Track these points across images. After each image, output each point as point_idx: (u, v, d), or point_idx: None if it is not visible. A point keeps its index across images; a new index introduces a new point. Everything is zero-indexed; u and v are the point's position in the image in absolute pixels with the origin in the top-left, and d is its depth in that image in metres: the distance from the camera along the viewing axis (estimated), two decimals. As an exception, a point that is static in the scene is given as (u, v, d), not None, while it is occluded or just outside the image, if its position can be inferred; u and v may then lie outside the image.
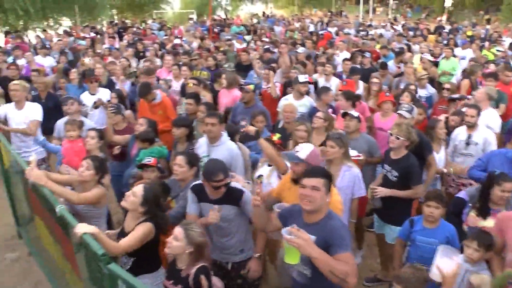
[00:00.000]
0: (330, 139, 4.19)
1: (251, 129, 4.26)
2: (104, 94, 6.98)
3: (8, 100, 7.43)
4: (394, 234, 4.22)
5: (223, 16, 27.41)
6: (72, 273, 3.80)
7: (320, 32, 15.99)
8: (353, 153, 4.44)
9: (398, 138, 4.25)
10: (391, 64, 9.31)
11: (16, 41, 12.77)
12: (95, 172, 3.86)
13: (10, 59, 9.98)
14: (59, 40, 12.98)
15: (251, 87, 6.11)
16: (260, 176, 4.30)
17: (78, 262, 3.47)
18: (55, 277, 4.63)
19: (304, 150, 3.50)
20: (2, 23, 20.18)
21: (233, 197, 3.54)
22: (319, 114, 5.18)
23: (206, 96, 6.46)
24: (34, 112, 5.93)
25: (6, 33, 15.60)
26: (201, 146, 4.57)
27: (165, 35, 15.45)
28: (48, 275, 4.81)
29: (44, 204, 3.95)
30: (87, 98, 6.88)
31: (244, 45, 12.75)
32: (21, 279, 5.04)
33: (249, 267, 3.68)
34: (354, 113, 5.01)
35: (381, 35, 14.54)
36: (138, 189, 3.31)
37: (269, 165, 4.32)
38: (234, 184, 3.61)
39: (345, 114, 5.02)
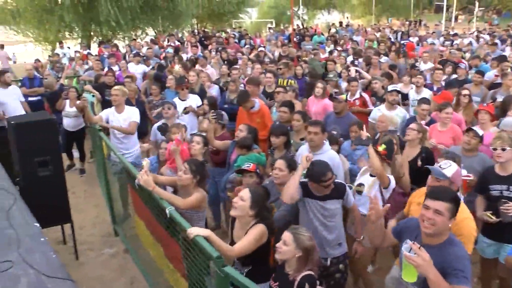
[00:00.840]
0: None
1: (364, 133, 4.28)
2: (194, 100, 7.20)
3: (104, 105, 7.97)
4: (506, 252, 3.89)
5: (300, 26, 27.53)
6: (175, 273, 3.92)
7: (402, 42, 15.54)
8: (463, 172, 4.14)
9: (504, 150, 3.95)
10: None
11: (111, 50, 13.61)
12: (192, 175, 3.94)
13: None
14: (148, 48, 13.65)
15: (343, 97, 6.06)
16: (361, 185, 4.23)
17: (184, 263, 3.58)
18: (151, 275, 4.82)
19: (451, 168, 3.35)
20: (97, 34, 21.71)
21: (339, 191, 3.78)
22: (412, 125, 4.98)
23: (297, 105, 6.46)
24: (132, 115, 6.27)
25: (100, 43, 16.73)
26: (303, 153, 4.57)
27: (245, 44, 15.76)
28: (143, 272, 5.02)
29: (149, 206, 4.14)
30: (177, 104, 7.14)
31: (326, 55, 12.68)
32: (118, 274, 5.29)
33: (355, 249, 4.03)
34: (479, 130, 4.65)
35: (470, 43, 13.84)
36: (245, 193, 3.34)
37: (371, 175, 4.22)
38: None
39: (469, 130, 4.67)
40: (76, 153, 8.53)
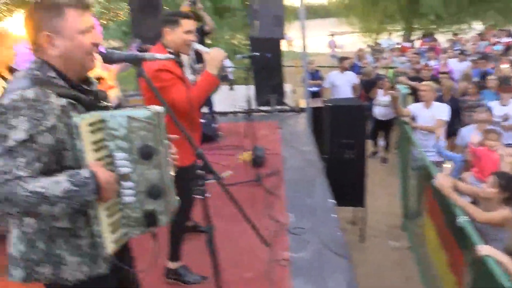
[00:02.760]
0: None
1: None
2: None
3: (416, 99, 7.87)
4: None
5: None
6: (454, 285, 3.63)
7: None
8: None
9: None
10: None
11: (430, 44, 13.30)
12: (499, 190, 3.47)
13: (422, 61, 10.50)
14: (473, 44, 12.66)
15: None
16: None
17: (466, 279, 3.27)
18: (427, 278, 4.60)
19: None
20: (419, 27, 21.57)
21: None
22: None
23: None
24: (441, 112, 5.98)
25: (423, 36, 16.54)
26: None
27: None
28: (421, 273, 4.84)
29: (442, 210, 3.92)
30: (496, 109, 6.38)
31: None
32: (396, 268, 5.26)
33: None
34: None
35: None
36: None
37: None
38: None
39: None
40: (382, 142, 8.81)
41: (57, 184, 1.32)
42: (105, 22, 15.52)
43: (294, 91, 9.79)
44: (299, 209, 4.03)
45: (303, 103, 7.42)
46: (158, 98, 1.63)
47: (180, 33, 2.80)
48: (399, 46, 14.57)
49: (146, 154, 1.49)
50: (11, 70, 3.27)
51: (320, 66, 11.42)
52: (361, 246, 5.74)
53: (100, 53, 1.55)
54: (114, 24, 15.76)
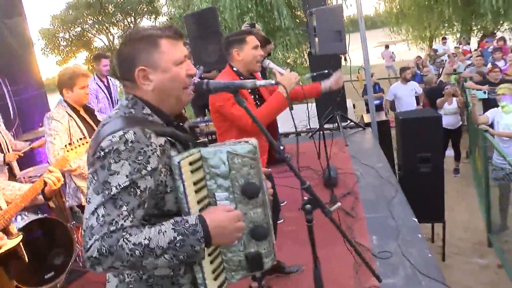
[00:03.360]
0: None
1: None
2: None
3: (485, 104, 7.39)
4: None
5: None
6: None
7: None
8: None
9: None
10: None
11: (497, 43, 12.60)
12: None
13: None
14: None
15: None
16: None
17: None
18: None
19: None
20: (478, 28, 20.59)
21: None
22: None
23: None
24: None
25: (482, 37, 15.74)
26: None
27: None
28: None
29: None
30: None
31: None
32: (488, 289, 4.87)
33: None
34: None
35: None
36: None
37: None
38: None
39: None
40: (450, 151, 8.37)
41: (162, 234, 1.20)
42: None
43: (354, 106, 9.56)
44: (381, 230, 3.81)
45: (367, 118, 7.18)
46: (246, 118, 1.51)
47: (249, 50, 2.75)
48: (459, 50, 13.94)
49: (249, 192, 1.37)
50: (87, 109, 3.32)
51: (379, 79, 11.14)
52: (444, 264, 5.37)
53: (194, 84, 1.47)
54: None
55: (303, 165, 5.31)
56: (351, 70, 7.24)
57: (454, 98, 7.76)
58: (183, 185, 1.29)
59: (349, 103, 8.34)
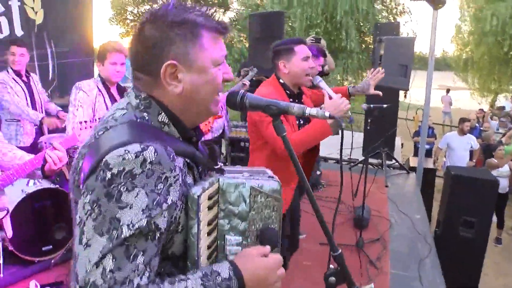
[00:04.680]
0: None
1: None
2: None
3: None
4: None
5: None
6: None
7: None
8: None
9: None
10: None
11: None
12: None
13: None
14: None
15: None
16: None
17: None
18: None
19: None
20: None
21: None
22: None
23: None
24: None
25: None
26: None
27: None
28: None
29: None
30: None
31: None
32: None
33: None
34: None
35: None
36: None
37: None
38: None
39: None
40: (494, 218, 7.75)
41: None
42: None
43: (402, 145, 9.07)
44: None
45: (413, 161, 6.73)
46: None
47: (298, 61, 2.46)
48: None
49: (267, 239, 1.07)
50: (119, 88, 3.12)
51: (434, 123, 10.56)
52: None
53: (229, 93, 1.18)
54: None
55: (334, 196, 4.95)
56: (408, 108, 6.85)
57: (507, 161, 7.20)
58: (198, 226, 0.98)
59: (397, 141, 7.88)
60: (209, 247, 1.03)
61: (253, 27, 5.82)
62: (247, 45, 15.33)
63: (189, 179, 1.03)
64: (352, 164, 6.09)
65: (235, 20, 18.87)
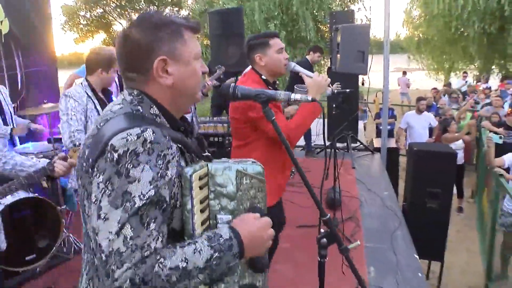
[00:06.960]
0: None
1: None
2: None
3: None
4: None
5: None
6: None
7: None
8: None
9: None
10: None
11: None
12: None
13: None
14: None
15: None
16: None
17: None
18: None
19: None
20: (500, 68, 20.46)
21: None
22: None
23: None
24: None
25: (503, 78, 15.55)
26: None
27: None
28: None
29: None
30: None
31: None
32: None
33: None
34: None
35: None
36: None
37: None
38: None
39: None
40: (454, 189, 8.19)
41: (198, 253, 1.04)
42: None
43: (365, 128, 9.41)
44: (380, 263, 3.65)
45: (377, 142, 7.03)
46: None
47: (273, 53, 2.56)
48: (472, 87, 13.83)
49: (254, 217, 1.23)
50: (105, 90, 3.16)
51: (393, 104, 10.97)
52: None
53: (218, 88, 1.31)
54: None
55: (310, 182, 5.13)
56: (368, 91, 7.13)
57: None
58: (192, 202, 1.12)
59: (360, 124, 8.19)
60: (203, 223, 1.16)
61: (213, 25, 5.90)
62: (204, 42, 15.37)
63: (183, 162, 1.17)
64: (319, 150, 6.33)
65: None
